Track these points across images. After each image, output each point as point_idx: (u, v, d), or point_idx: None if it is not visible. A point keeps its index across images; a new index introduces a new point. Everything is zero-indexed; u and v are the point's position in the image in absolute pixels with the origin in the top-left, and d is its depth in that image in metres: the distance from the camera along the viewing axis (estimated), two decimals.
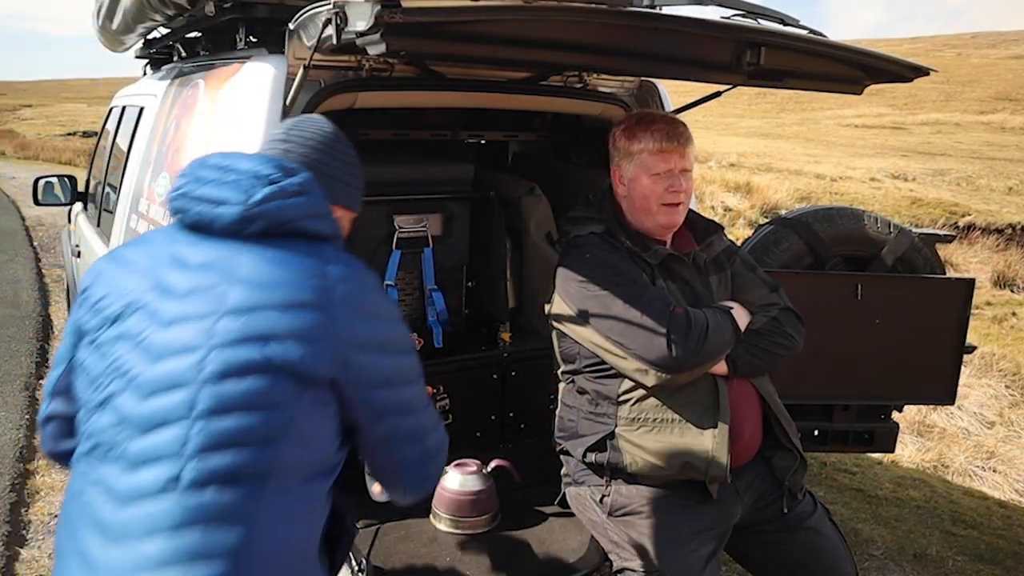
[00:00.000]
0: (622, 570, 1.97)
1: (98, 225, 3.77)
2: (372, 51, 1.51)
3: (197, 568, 1.11)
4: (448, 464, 2.16)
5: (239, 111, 2.12)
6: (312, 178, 1.35)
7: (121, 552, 1.14)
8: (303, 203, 1.31)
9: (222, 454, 1.15)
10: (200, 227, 1.30)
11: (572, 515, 2.13)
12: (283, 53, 2.00)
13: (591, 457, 2.00)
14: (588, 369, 2.02)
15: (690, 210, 2.18)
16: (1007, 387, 6.32)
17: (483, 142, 3.38)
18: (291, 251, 1.28)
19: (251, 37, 2.37)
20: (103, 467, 1.20)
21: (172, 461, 1.14)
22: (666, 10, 1.77)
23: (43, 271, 8.35)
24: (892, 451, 3.40)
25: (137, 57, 3.98)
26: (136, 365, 1.21)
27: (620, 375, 1.95)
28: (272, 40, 2.15)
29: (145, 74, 3.98)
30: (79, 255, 4.21)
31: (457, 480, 2.16)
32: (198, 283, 1.24)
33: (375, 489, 2.06)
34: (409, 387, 1.35)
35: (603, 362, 1.97)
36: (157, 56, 3.77)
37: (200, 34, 3.01)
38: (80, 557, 1.19)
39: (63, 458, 1.41)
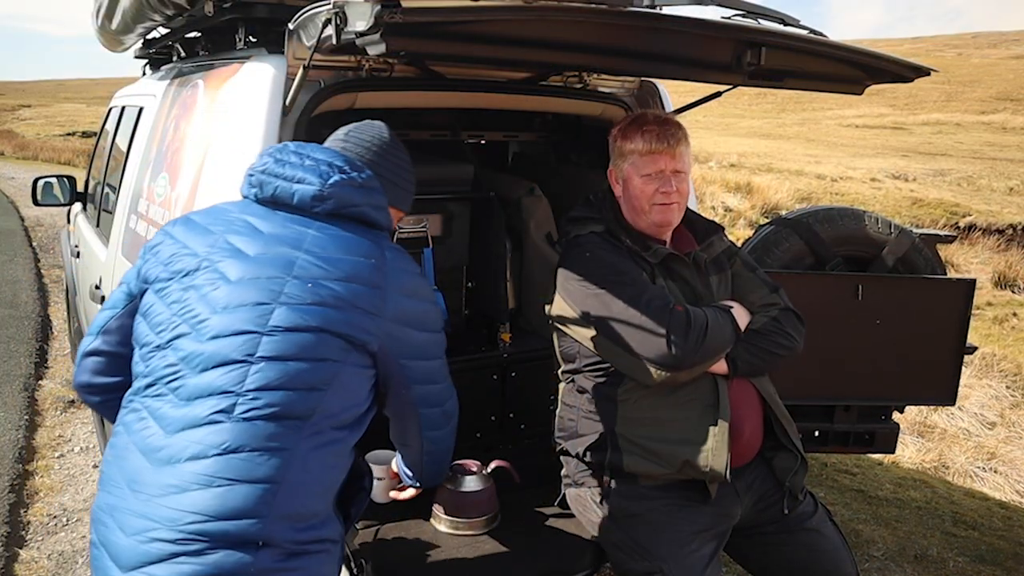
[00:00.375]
0: (624, 571, 1.97)
1: (97, 225, 3.77)
2: (372, 51, 1.51)
3: (238, 488, 1.27)
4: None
5: (238, 111, 2.11)
6: (374, 176, 1.55)
7: (169, 473, 1.29)
8: (366, 194, 1.51)
9: (273, 393, 1.32)
10: (276, 201, 1.50)
11: (572, 516, 2.13)
12: (283, 53, 2.00)
13: (590, 456, 2.00)
14: (588, 368, 2.02)
15: (690, 211, 2.18)
16: (1008, 388, 6.30)
17: (483, 142, 3.37)
18: (353, 233, 1.48)
19: (250, 37, 2.36)
20: (158, 401, 1.36)
21: (227, 396, 1.31)
22: (666, 10, 1.77)
23: (42, 272, 8.34)
24: (893, 452, 3.40)
25: (136, 57, 3.96)
26: (202, 312, 1.38)
27: (620, 374, 1.95)
28: (272, 40, 2.15)
29: (144, 74, 3.97)
30: (78, 255, 4.21)
31: (457, 481, 2.15)
32: (268, 250, 1.42)
33: (378, 493, 2.06)
34: (438, 359, 1.59)
35: (603, 361, 1.97)
36: (156, 56, 3.76)
37: (199, 34, 3.00)
38: (128, 481, 1.33)
39: (93, 391, 1.59)
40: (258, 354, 1.33)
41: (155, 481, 1.29)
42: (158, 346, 1.40)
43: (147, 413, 1.36)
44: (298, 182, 1.48)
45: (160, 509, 1.27)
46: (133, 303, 1.51)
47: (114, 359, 1.53)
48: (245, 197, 1.56)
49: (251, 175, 1.53)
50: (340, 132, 1.65)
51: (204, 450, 1.28)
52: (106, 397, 1.56)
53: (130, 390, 1.44)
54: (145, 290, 1.49)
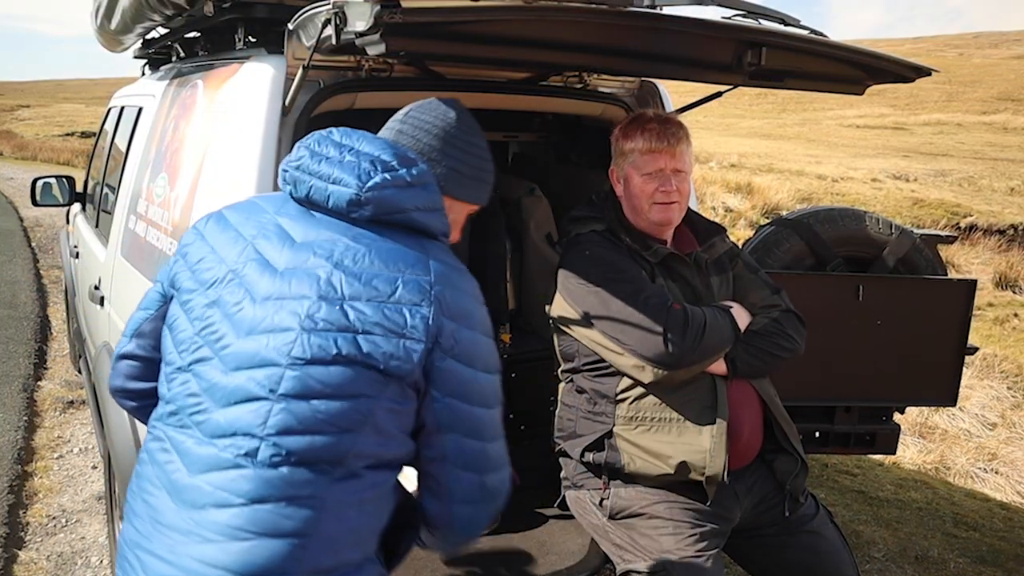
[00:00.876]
0: (627, 572, 1.96)
1: (96, 226, 3.76)
2: (372, 51, 1.50)
3: (266, 542, 1.15)
4: None
5: (238, 112, 2.11)
6: (428, 171, 1.33)
7: (192, 519, 1.18)
8: (415, 195, 1.29)
9: (299, 437, 1.17)
10: (311, 202, 1.30)
11: (572, 517, 2.12)
12: (282, 53, 1.99)
13: (589, 457, 2.00)
14: (587, 367, 2.02)
15: (694, 212, 2.17)
16: (1009, 388, 6.31)
17: None
18: (396, 242, 1.27)
19: (250, 37, 2.36)
20: (181, 433, 1.24)
21: (251, 438, 1.17)
22: (666, 10, 1.77)
23: (41, 272, 8.33)
24: (894, 453, 3.39)
25: (135, 57, 3.96)
26: (227, 335, 1.23)
27: (618, 373, 1.95)
28: (271, 40, 2.14)
29: (143, 74, 3.97)
30: (77, 256, 4.20)
31: None
32: (298, 262, 1.24)
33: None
34: (484, 409, 1.28)
35: (601, 360, 1.97)
36: (156, 56, 3.76)
37: (199, 34, 2.99)
38: (152, 520, 1.23)
39: (128, 396, 1.46)
40: (280, 391, 1.17)
41: (179, 524, 1.20)
42: (179, 368, 1.27)
43: (170, 445, 1.25)
44: (334, 182, 1.27)
45: (184, 559, 1.18)
46: (166, 305, 1.38)
47: (149, 364, 1.40)
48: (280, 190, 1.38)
49: (285, 171, 1.34)
50: (400, 113, 1.45)
51: (228, 498, 1.17)
52: (142, 403, 1.44)
53: (154, 413, 1.33)
54: (173, 295, 1.36)
